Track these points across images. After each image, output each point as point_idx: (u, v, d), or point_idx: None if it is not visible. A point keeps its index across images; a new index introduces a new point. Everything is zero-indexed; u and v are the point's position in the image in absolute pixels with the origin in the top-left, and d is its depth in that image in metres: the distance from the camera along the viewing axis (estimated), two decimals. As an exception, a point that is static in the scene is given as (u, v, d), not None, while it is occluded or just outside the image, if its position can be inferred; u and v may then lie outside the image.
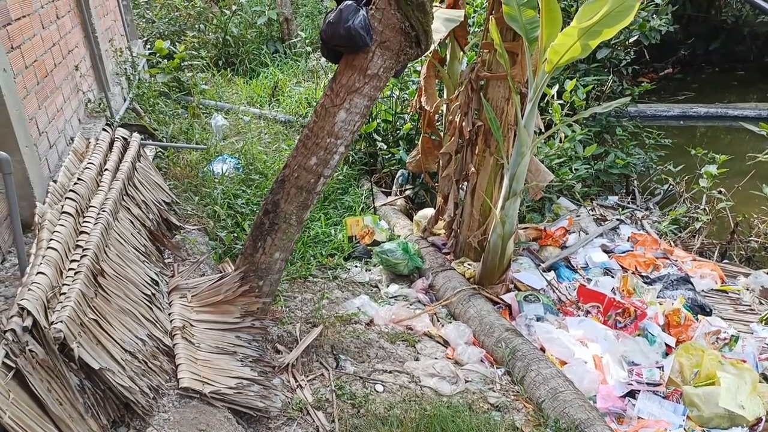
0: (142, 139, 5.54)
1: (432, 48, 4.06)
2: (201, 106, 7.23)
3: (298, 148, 3.16)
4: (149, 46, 8.75)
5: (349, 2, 2.77)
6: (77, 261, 2.84)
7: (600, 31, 3.20)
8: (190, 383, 2.80)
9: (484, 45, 4.30)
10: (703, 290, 4.78)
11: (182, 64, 7.43)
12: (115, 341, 2.65)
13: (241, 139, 6.40)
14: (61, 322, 2.35)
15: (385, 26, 2.82)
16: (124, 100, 6.44)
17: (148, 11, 10.26)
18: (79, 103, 5.19)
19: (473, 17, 6.97)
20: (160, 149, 5.61)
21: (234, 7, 10.57)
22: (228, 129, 6.74)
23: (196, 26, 9.95)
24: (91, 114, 5.42)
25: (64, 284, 2.66)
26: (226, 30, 10.10)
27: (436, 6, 4.85)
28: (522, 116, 3.93)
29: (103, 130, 4.60)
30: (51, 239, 2.82)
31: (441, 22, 4.39)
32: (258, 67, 9.99)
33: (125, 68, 6.70)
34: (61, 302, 2.52)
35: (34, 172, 3.47)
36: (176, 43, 8.13)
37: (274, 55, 10.43)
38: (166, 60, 7.19)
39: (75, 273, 2.74)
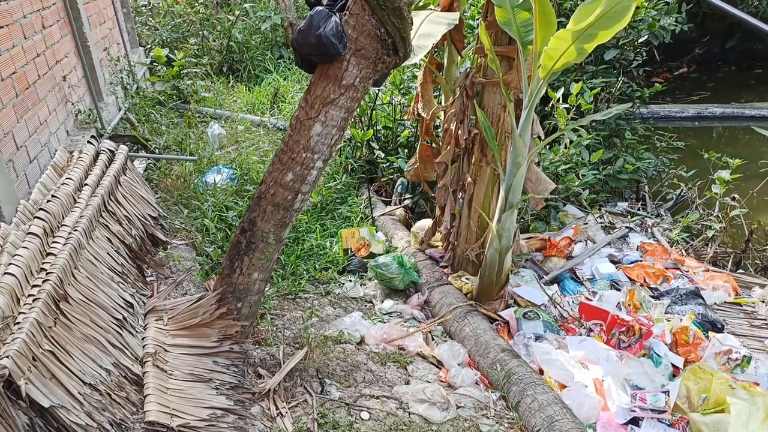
0: (132, 151, 5.44)
1: (421, 56, 3.89)
2: (199, 114, 7.11)
3: (274, 163, 2.99)
4: (152, 54, 8.68)
5: (321, 8, 2.59)
6: (39, 286, 2.70)
7: (595, 33, 2.99)
8: (157, 416, 2.63)
9: (477, 50, 4.10)
10: (715, 303, 4.53)
11: (181, 72, 7.33)
12: (73, 374, 2.49)
13: (238, 149, 6.26)
14: (8, 357, 2.19)
15: (360, 33, 2.63)
16: (119, 110, 6.33)
17: (151, 18, 10.19)
18: (67, 115, 5.08)
19: (477, 19, 6.76)
20: (151, 161, 5.49)
21: (237, 13, 10.45)
22: (225, 138, 6.61)
23: (200, 33, 9.85)
24: (80, 126, 5.31)
25: (20, 313, 2.51)
26: (230, 36, 9.98)
27: (430, 9, 4.67)
28: (517, 124, 3.73)
29: (88, 142, 4.48)
30: (10, 263, 2.67)
31: (435, 25, 4.20)
32: (262, 73, 9.85)
33: (121, 77, 6.60)
34: (14, 333, 2.37)
35: (2, 190, 3.34)
36: (175, 51, 8.03)
37: (279, 60, 10.29)
38: (165, 68, 7.08)
39: (34, 300, 2.59)
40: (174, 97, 7.22)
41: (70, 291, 2.85)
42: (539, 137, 4.31)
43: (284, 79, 9.20)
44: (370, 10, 2.56)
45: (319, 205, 5.71)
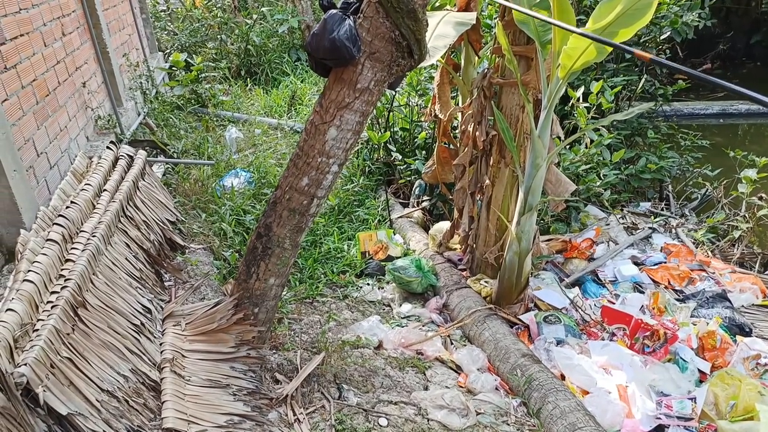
0: (151, 156, 5.47)
1: (437, 57, 3.85)
2: (217, 118, 7.14)
3: (289, 168, 2.97)
4: (170, 59, 8.74)
5: (335, 11, 2.56)
6: (57, 293, 2.71)
7: (615, 32, 2.92)
8: (174, 423, 2.62)
9: (494, 50, 4.04)
10: (742, 306, 4.42)
11: (200, 76, 7.37)
12: (91, 380, 2.49)
13: (256, 152, 6.27)
14: (26, 365, 2.20)
15: (374, 36, 2.59)
16: (139, 115, 6.38)
17: (170, 23, 10.27)
18: (87, 121, 5.13)
19: (495, 18, 6.68)
20: (170, 165, 5.51)
21: (255, 16, 10.50)
22: (243, 141, 6.62)
23: (218, 37, 9.91)
24: (100, 131, 5.36)
25: (39, 320, 2.52)
26: (248, 39, 10.03)
27: (447, 9, 4.62)
28: (536, 125, 3.66)
29: (107, 148, 4.51)
30: (29, 270, 2.69)
31: (451, 26, 4.15)
32: (280, 76, 9.89)
33: (140, 83, 6.65)
34: (32, 340, 2.37)
35: (23, 197, 3.37)
36: (194, 55, 8.08)
37: (296, 63, 10.31)
38: (184, 72, 7.13)
39: (52, 306, 2.60)
40: (192, 101, 7.27)
41: (88, 297, 2.86)
42: (559, 138, 4.24)
43: (301, 82, 9.23)
44: (385, 12, 2.52)
45: (336, 207, 5.69)
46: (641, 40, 6.58)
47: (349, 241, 5.23)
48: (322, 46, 2.55)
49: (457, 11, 4.46)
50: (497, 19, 4.12)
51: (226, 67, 9.11)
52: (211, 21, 10.03)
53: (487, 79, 4.13)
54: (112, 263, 3.31)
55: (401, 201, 6.22)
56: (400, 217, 5.72)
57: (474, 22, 4.30)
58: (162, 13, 10.38)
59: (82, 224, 3.38)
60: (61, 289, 2.72)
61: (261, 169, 5.81)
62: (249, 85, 9.39)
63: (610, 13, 2.86)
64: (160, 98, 6.96)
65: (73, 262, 2.96)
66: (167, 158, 5.59)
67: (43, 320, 2.50)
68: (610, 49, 3.10)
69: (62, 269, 2.92)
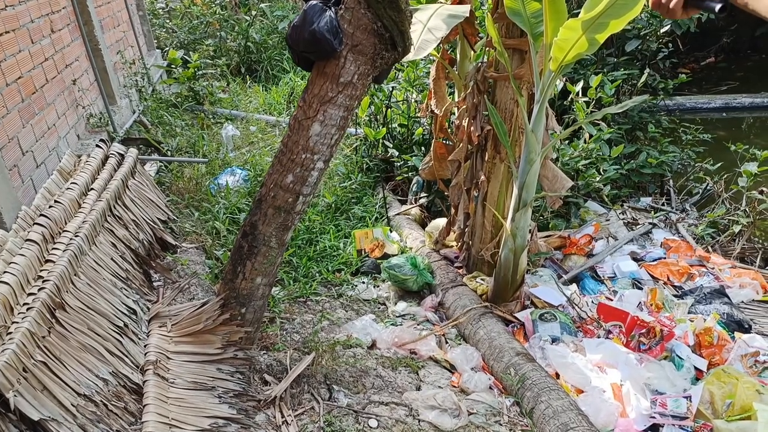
0: (144, 154, 5.42)
1: (429, 50, 3.77)
2: (214, 116, 7.08)
3: (273, 165, 2.90)
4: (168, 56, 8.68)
5: (315, 2, 2.48)
6: (34, 294, 2.65)
7: (606, 23, 2.83)
8: (155, 427, 2.56)
9: (488, 43, 3.96)
10: (742, 302, 4.31)
11: (197, 74, 7.31)
12: (67, 385, 2.43)
13: (252, 150, 6.21)
14: (-4, 369, 2.15)
15: (356, 28, 2.52)
16: (133, 113, 6.32)
17: (168, 20, 10.21)
18: (78, 119, 5.07)
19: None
20: (163, 163, 5.45)
21: (254, 13, 10.43)
22: (239, 139, 6.56)
23: (218, 34, 9.84)
24: (92, 129, 5.30)
25: (13, 322, 2.47)
26: (247, 36, 9.95)
27: (440, 2, 4.53)
28: (530, 119, 3.58)
29: (97, 146, 4.46)
30: (5, 272, 2.63)
31: (443, 19, 4.06)
32: (279, 73, 9.81)
33: (135, 80, 6.60)
34: (4, 344, 2.32)
35: (4, 197, 3.31)
36: (192, 52, 8.01)
37: (296, 59, 10.21)
38: (182, 70, 7.07)
39: (28, 309, 2.54)
40: (190, 98, 7.21)
41: (68, 298, 2.81)
42: (555, 132, 4.16)
43: (301, 79, 9.13)
44: (366, 3, 2.45)
45: (333, 205, 5.62)
46: (641, 33, 6.48)
47: (345, 239, 5.16)
48: (303, 39, 2.48)
49: (451, 4, 4.37)
50: (491, 10, 4.03)
51: (225, 64, 9.05)
52: (210, 18, 9.96)
53: (481, 73, 4.05)
54: (96, 263, 3.26)
55: (399, 198, 6.15)
56: (398, 214, 5.64)
57: (467, 14, 4.21)
58: (160, 11, 10.31)
59: (65, 224, 3.33)
60: (38, 290, 2.67)
61: (257, 167, 5.75)
62: (248, 82, 9.32)
63: (600, 3, 2.77)
64: (156, 96, 6.89)
65: (53, 262, 2.91)
66: (160, 156, 5.53)
67: (17, 323, 2.45)
68: (602, 40, 3.01)
69: (41, 270, 2.86)
